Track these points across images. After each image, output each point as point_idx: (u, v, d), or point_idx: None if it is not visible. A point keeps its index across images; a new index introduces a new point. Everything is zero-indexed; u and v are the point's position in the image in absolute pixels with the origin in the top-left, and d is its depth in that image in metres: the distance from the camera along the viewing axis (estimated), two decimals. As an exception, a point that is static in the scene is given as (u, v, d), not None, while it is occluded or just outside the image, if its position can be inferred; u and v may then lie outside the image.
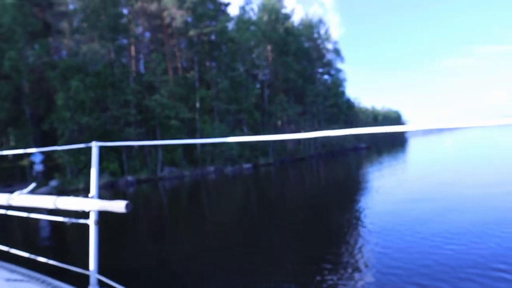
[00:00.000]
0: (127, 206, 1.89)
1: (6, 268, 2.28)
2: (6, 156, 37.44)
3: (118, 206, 1.91)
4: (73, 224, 2.36)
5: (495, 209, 11.91)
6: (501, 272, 6.82)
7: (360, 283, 6.88)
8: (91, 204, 2.10)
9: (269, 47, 53.40)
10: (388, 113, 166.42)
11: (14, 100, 33.77)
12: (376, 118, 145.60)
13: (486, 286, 6.26)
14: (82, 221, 2.30)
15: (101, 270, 2.28)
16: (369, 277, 7.04)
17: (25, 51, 33.24)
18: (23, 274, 2.13)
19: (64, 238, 13.77)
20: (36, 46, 34.00)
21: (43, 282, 1.98)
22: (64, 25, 37.38)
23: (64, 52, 39.73)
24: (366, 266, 7.75)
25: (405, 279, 6.79)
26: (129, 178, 32.42)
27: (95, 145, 2.43)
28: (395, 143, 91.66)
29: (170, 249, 11.06)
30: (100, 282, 2.24)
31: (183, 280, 8.09)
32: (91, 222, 2.21)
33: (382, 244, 9.05)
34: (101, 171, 31.54)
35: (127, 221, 15.98)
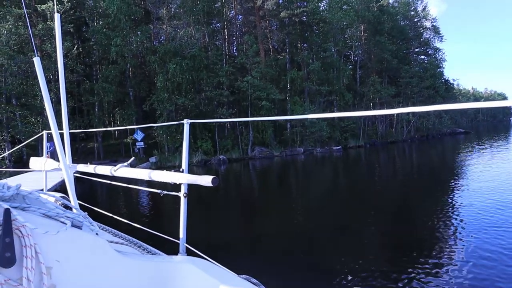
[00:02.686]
0: (213, 180, 2.01)
1: (110, 232, 2.49)
2: (113, 134, 40.84)
3: (206, 180, 2.04)
4: (165, 195, 2.53)
5: None
6: None
7: (450, 279, 6.49)
8: (181, 178, 2.27)
9: (362, 27, 51.64)
10: (492, 96, 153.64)
11: (120, 83, 36.60)
12: (478, 100, 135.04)
13: None
14: (173, 193, 2.49)
15: (190, 240, 2.44)
16: (458, 274, 6.60)
17: (129, 38, 35.67)
18: (123, 239, 2.30)
19: (159, 208, 14.80)
20: (139, 33, 36.29)
21: (139, 247, 2.13)
22: (162, 12, 39.44)
23: (163, 37, 41.95)
24: (454, 260, 7.22)
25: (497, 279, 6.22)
26: (221, 157, 33.69)
27: (186, 122, 2.66)
28: (498, 128, 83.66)
29: (257, 226, 11.28)
30: (188, 250, 2.41)
31: (269, 257, 8.13)
32: (181, 194, 2.39)
33: (474, 240, 8.28)
34: (195, 150, 33.13)
35: (218, 197, 16.72)
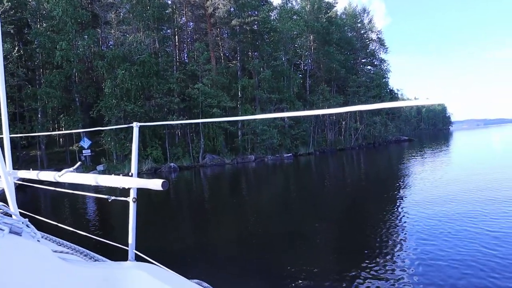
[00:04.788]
0: (163, 184, 1.95)
1: (54, 241, 2.38)
2: (57, 141, 39.24)
3: (155, 184, 1.96)
4: (114, 201, 2.44)
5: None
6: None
7: (396, 279, 6.66)
8: (130, 182, 2.17)
9: (311, 37, 52.90)
10: (433, 105, 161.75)
11: (65, 88, 35.29)
12: (420, 110, 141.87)
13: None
14: (122, 198, 2.39)
15: (140, 246, 2.37)
16: (405, 274, 6.79)
17: (75, 41, 34.51)
18: (68, 247, 2.21)
19: (107, 215, 14.40)
20: (85, 37, 35.20)
21: (86, 255, 2.05)
22: (111, 16, 38.52)
23: (111, 42, 40.95)
24: (403, 262, 7.38)
25: (443, 279, 6.40)
26: (172, 164, 33.19)
27: (135, 126, 2.58)
28: (438, 137, 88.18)
29: (209, 231, 11.20)
30: (137, 257, 2.32)
31: (220, 262, 8.15)
32: (130, 199, 2.30)
33: (422, 243, 8.45)
34: (144, 158, 32.45)
35: (169, 204, 16.47)
